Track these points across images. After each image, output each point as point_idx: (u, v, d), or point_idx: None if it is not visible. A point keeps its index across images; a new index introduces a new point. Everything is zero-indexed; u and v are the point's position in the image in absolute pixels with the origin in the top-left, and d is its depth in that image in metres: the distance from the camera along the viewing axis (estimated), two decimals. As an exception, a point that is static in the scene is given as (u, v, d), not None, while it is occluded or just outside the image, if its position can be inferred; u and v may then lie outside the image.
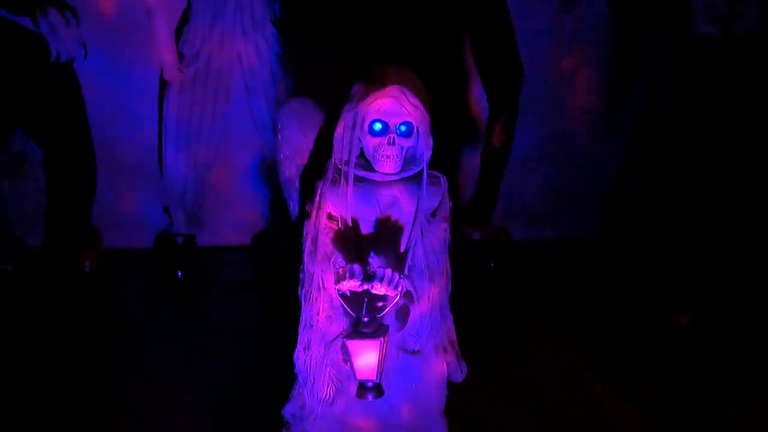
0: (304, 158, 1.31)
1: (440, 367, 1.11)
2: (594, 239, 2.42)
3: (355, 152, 1.07)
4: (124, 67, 2.22)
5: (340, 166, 1.08)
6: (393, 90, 1.02)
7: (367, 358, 0.97)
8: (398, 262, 1.04)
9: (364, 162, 1.08)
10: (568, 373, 1.60)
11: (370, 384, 0.98)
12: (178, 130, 2.01)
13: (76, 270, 2.01)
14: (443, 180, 1.11)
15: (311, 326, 1.09)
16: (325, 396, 1.08)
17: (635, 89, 2.24)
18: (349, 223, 1.07)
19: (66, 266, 1.99)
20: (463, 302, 1.23)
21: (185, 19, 1.96)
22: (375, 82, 1.03)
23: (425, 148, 1.07)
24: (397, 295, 0.98)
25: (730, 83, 1.82)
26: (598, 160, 2.44)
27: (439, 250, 1.08)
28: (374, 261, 1.06)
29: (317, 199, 1.09)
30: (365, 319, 0.98)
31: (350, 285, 0.97)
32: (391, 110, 1.03)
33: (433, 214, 1.09)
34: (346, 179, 1.06)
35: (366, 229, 1.09)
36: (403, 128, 1.04)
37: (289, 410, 1.15)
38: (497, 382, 1.54)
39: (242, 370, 1.60)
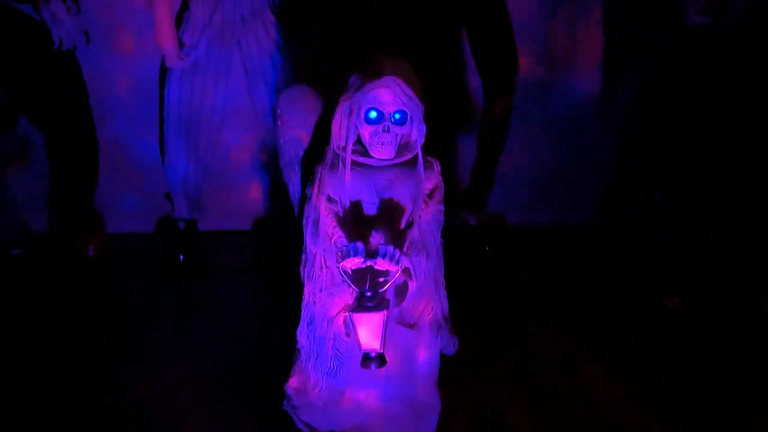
0: (303, 143, 1.35)
1: (434, 340, 1.17)
2: (588, 224, 2.46)
3: (352, 139, 1.12)
4: (125, 54, 2.25)
5: (338, 152, 1.14)
6: (388, 80, 1.07)
7: (370, 329, 1.03)
8: (397, 240, 1.10)
9: (361, 148, 1.13)
10: (559, 353, 1.63)
11: (373, 354, 1.05)
12: (180, 117, 2.02)
13: (80, 254, 2.04)
14: (436, 164, 1.16)
15: (314, 303, 1.15)
16: (329, 368, 1.14)
17: (630, 77, 2.26)
18: (347, 205, 1.12)
19: (70, 250, 2.03)
20: (459, 286, 1.28)
21: (185, 6, 1.97)
22: (370, 73, 1.08)
23: (418, 135, 1.12)
24: (398, 271, 1.04)
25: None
26: (592, 146, 2.47)
27: (435, 230, 1.14)
28: (374, 240, 1.11)
29: (317, 182, 1.15)
30: (368, 294, 1.04)
31: (354, 262, 1.03)
32: (386, 100, 1.08)
33: (430, 196, 1.15)
34: (344, 164, 1.11)
35: (365, 210, 1.14)
36: (397, 116, 1.10)
37: (291, 385, 1.21)
38: (490, 360, 1.58)
39: (243, 349, 1.63)
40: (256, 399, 1.39)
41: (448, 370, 1.25)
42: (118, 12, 2.20)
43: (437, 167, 1.16)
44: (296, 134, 1.37)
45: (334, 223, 1.12)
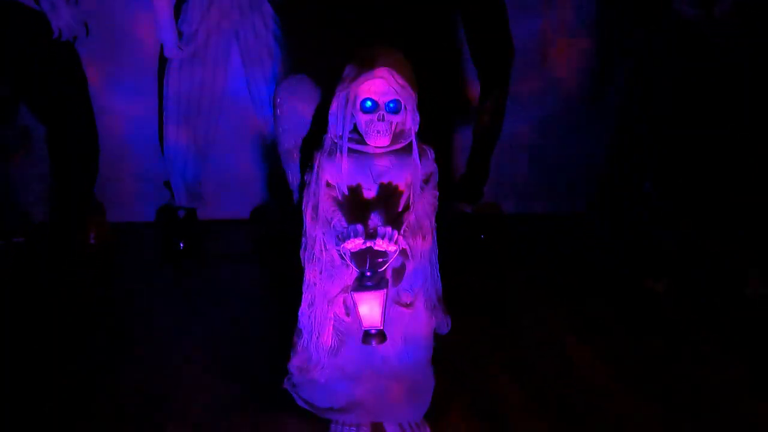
0: (302, 131, 1.38)
1: (429, 319, 1.22)
2: (582, 214, 2.49)
3: (349, 127, 1.16)
4: (125, 44, 2.27)
5: (335, 141, 1.17)
6: (382, 71, 1.11)
7: (371, 307, 1.08)
8: (395, 223, 1.14)
9: (358, 136, 1.17)
10: (552, 337, 1.66)
11: (374, 331, 1.09)
12: (178, 107, 2.04)
13: (81, 241, 2.07)
14: (430, 152, 1.20)
15: (314, 285, 1.19)
16: (331, 346, 1.19)
17: (621, 69, 2.29)
18: (345, 191, 1.16)
19: (72, 238, 2.05)
20: (455, 273, 1.32)
21: (183, -4, 2.00)
22: (365, 64, 1.13)
23: (412, 123, 1.16)
24: (396, 251, 1.09)
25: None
26: (585, 137, 2.50)
27: (430, 213, 1.19)
28: (372, 222, 1.15)
29: (316, 169, 1.19)
30: (368, 274, 1.09)
31: (354, 243, 1.07)
32: (381, 90, 1.13)
33: (426, 181, 1.19)
34: (341, 152, 1.15)
35: (363, 195, 1.18)
36: (391, 105, 1.14)
37: (294, 364, 1.26)
38: (485, 344, 1.62)
39: (244, 332, 1.67)
40: (258, 380, 1.43)
41: (444, 354, 1.30)
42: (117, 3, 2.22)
43: (431, 154, 1.21)
44: (295, 123, 1.41)
45: (333, 208, 1.17)
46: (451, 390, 1.38)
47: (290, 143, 1.40)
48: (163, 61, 2.03)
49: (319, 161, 1.19)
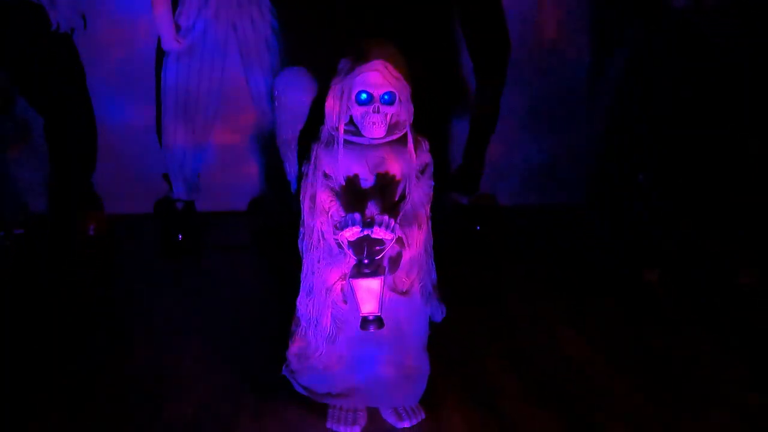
0: (300, 123, 1.40)
1: (424, 307, 1.25)
2: (577, 205, 2.52)
3: (345, 120, 1.18)
4: (123, 36, 2.27)
5: (332, 132, 1.20)
6: (376, 64, 1.13)
7: (369, 294, 1.10)
8: (391, 212, 1.17)
9: (354, 128, 1.19)
10: (545, 327, 1.68)
11: (372, 317, 1.12)
12: (177, 100, 2.05)
13: (80, 234, 2.08)
14: (425, 143, 1.23)
15: (312, 274, 1.22)
16: (329, 333, 1.21)
17: (616, 62, 2.30)
18: (342, 181, 1.19)
19: (71, 230, 2.07)
20: (451, 264, 1.33)
21: (181, -11, 2.00)
22: (359, 57, 1.15)
23: (407, 115, 1.18)
24: (393, 238, 1.11)
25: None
26: (580, 129, 2.52)
27: (425, 203, 1.21)
28: (369, 212, 1.18)
29: (313, 160, 1.21)
30: (366, 261, 1.11)
31: (352, 231, 1.10)
32: (375, 82, 1.14)
33: (422, 172, 1.22)
34: (338, 143, 1.17)
35: (360, 184, 1.20)
36: (386, 97, 1.16)
37: (293, 352, 1.28)
38: (478, 331, 1.64)
39: (242, 321, 1.69)
40: (257, 367, 1.45)
41: (440, 343, 1.32)
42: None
43: (426, 145, 1.23)
44: (293, 114, 1.43)
45: (331, 198, 1.19)
46: (446, 377, 1.41)
47: (288, 134, 1.42)
48: (160, 54, 2.04)
49: (316, 152, 1.21)
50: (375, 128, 1.17)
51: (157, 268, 2.04)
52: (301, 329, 1.25)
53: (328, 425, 1.25)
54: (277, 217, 2.16)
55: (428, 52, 2.19)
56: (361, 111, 1.16)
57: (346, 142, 1.18)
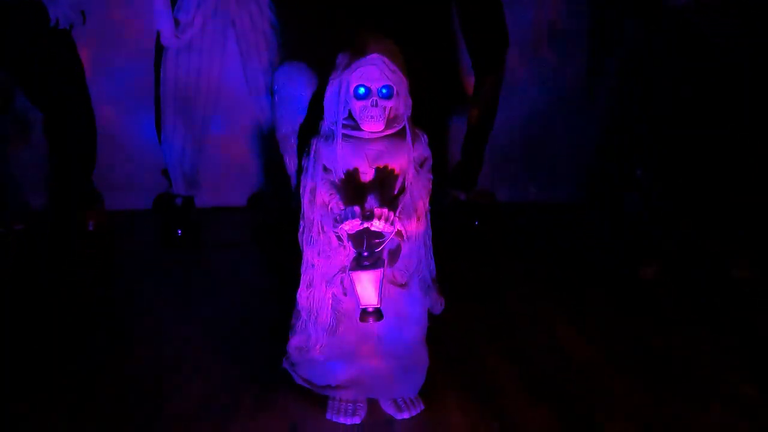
0: (299, 117, 1.41)
1: (423, 300, 1.26)
2: (574, 200, 2.53)
3: (344, 114, 1.19)
4: (122, 32, 2.28)
5: (331, 127, 1.20)
6: (373, 58, 1.14)
7: (368, 286, 1.11)
8: (390, 205, 1.17)
9: (353, 122, 1.20)
10: (543, 322, 1.69)
11: (371, 309, 1.13)
12: (176, 95, 2.07)
13: (80, 230, 2.10)
14: (424, 137, 1.23)
15: (312, 266, 1.22)
16: (329, 325, 1.22)
17: (615, 59, 2.31)
18: (342, 175, 1.20)
19: (71, 226, 2.08)
20: (450, 260, 1.33)
21: (179, -15, 2.01)
22: (357, 51, 1.15)
23: (405, 108, 1.19)
24: (392, 231, 1.12)
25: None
26: (578, 124, 2.53)
27: (424, 196, 1.22)
28: (369, 205, 1.18)
29: (313, 153, 1.22)
30: (365, 254, 1.12)
31: (352, 224, 1.11)
32: (373, 76, 1.15)
33: (421, 165, 1.23)
34: (336, 138, 1.18)
35: (359, 178, 1.21)
36: (384, 91, 1.17)
37: (293, 344, 1.29)
38: (477, 326, 1.65)
39: (242, 315, 1.70)
40: (257, 360, 1.46)
41: (438, 337, 1.33)
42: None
43: (424, 139, 1.23)
44: (292, 109, 1.43)
45: (331, 191, 1.20)
46: (445, 370, 1.42)
47: (287, 129, 1.43)
48: (159, 50, 2.05)
49: (316, 146, 1.22)
50: (373, 122, 1.17)
51: (157, 262, 2.05)
52: (302, 322, 1.26)
53: (328, 417, 1.26)
54: (276, 211, 2.17)
55: (427, 48, 2.20)
56: (359, 105, 1.17)
57: (345, 136, 1.19)
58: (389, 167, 1.19)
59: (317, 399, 1.30)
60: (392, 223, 1.11)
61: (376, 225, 1.11)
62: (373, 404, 1.30)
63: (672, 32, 1.92)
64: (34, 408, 1.30)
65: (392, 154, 1.19)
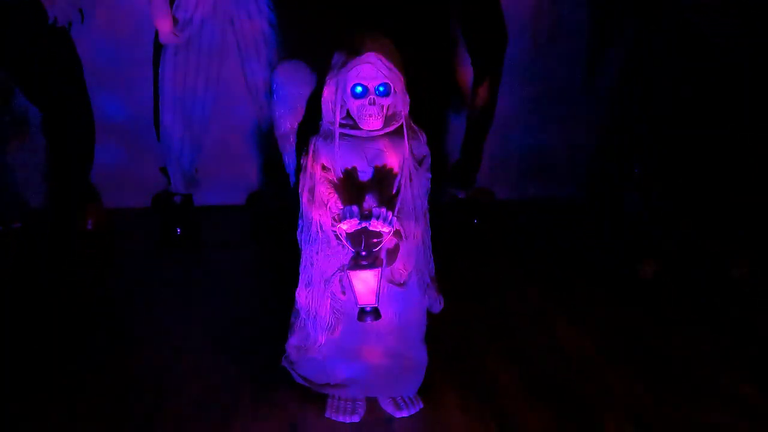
0: (298, 116, 1.40)
1: (422, 298, 1.26)
2: (573, 199, 2.53)
3: (342, 114, 1.19)
4: (120, 30, 2.27)
5: (330, 127, 1.20)
6: (369, 56, 1.14)
7: (366, 285, 1.11)
8: (389, 205, 1.17)
9: (352, 122, 1.20)
10: (542, 319, 1.70)
11: (369, 308, 1.13)
12: (174, 93, 2.05)
13: (79, 228, 2.09)
14: (422, 135, 1.23)
15: (311, 265, 1.23)
16: (328, 324, 1.22)
17: (615, 58, 2.31)
18: (340, 174, 1.19)
19: (69, 225, 2.07)
20: (449, 258, 1.33)
21: (178, -17, 2.00)
22: (352, 51, 1.16)
23: (403, 105, 1.19)
24: (390, 231, 1.12)
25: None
26: (577, 122, 2.53)
27: (423, 195, 1.22)
28: (367, 204, 1.19)
29: (311, 152, 1.22)
30: (363, 253, 1.12)
31: (350, 224, 1.11)
32: (369, 74, 1.16)
33: (420, 163, 1.22)
34: (335, 138, 1.18)
35: (358, 177, 1.21)
36: (381, 89, 1.17)
37: (292, 343, 1.29)
38: (476, 324, 1.66)
39: (241, 314, 1.70)
40: (257, 359, 1.46)
41: (437, 335, 1.33)
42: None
43: (423, 138, 1.23)
44: (291, 107, 1.43)
45: (329, 190, 1.20)
46: (444, 369, 1.42)
47: (287, 128, 1.42)
48: (158, 48, 2.04)
49: (314, 145, 1.22)
50: (372, 120, 1.17)
51: (156, 261, 2.05)
52: (301, 321, 1.27)
53: (327, 415, 1.27)
54: (275, 210, 2.17)
55: (426, 46, 2.19)
56: (357, 104, 1.17)
57: (344, 135, 1.19)
58: (387, 166, 1.19)
59: (316, 397, 1.31)
60: (390, 223, 1.11)
61: (374, 225, 1.11)
62: (372, 403, 1.30)
63: (672, 32, 1.92)
64: (34, 408, 1.30)
65: (392, 152, 1.19)
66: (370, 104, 1.16)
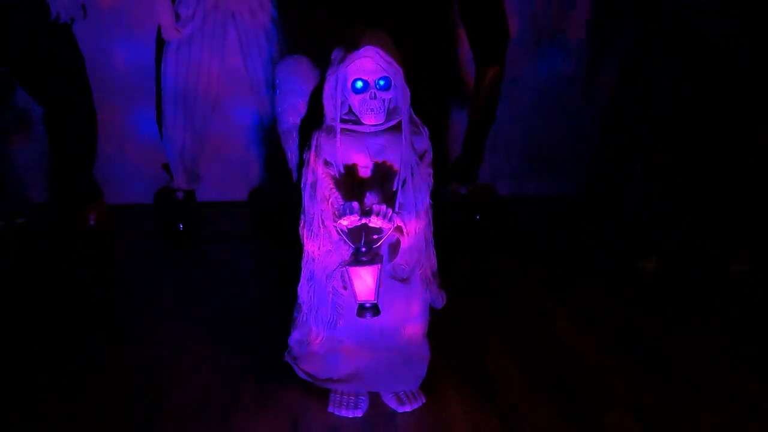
0: (301, 111, 1.41)
1: (424, 294, 1.26)
2: (574, 198, 2.53)
3: (343, 109, 1.19)
4: (121, 24, 2.27)
5: (331, 123, 1.20)
6: (368, 50, 1.14)
7: (366, 282, 1.11)
8: (390, 200, 1.18)
9: (354, 117, 1.20)
10: (544, 316, 1.70)
11: (368, 305, 1.13)
12: (176, 89, 2.05)
13: (81, 224, 2.09)
14: (425, 130, 1.23)
15: (313, 260, 1.23)
16: (330, 319, 1.23)
17: (614, 58, 2.32)
18: (342, 170, 1.20)
19: (72, 220, 2.07)
20: (451, 255, 1.33)
21: (180, -22, 2.00)
22: (351, 45, 1.16)
23: (404, 98, 1.19)
24: (390, 228, 1.12)
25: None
26: (579, 118, 2.53)
27: (424, 191, 1.22)
28: (368, 200, 1.19)
29: (314, 148, 1.22)
30: (363, 249, 1.12)
31: (350, 220, 1.11)
32: (369, 68, 1.16)
33: (421, 158, 1.22)
34: (336, 133, 1.18)
35: (359, 173, 1.21)
36: (381, 83, 1.17)
37: (295, 338, 1.30)
38: (478, 320, 1.66)
39: (244, 310, 1.69)
40: (259, 354, 1.46)
41: (439, 331, 1.34)
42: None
43: (426, 132, 1.24)
44: (294, 102, 1.43)
45: (331, 185, 1.20)
46: (447, 364, 1.42)
47: (289, 123, 1.42)
48: (160, 44, 2.04)
49: (317, 140, 1.22)
50: (373, 115, 1.18)
51: (158, 257, 2.05)
52: (303, 315, 1.27)
53: (330, 410, 1.27)
54: (277, 206, 2.17)
55: (428, 42, 2.20)
56: (358, 99, 1.18)
57: (346, 131, 1.19)
58: (389, 162, 1.20)
59: (319, 392, 1.31)
60: (390, 220, 1.11)
61: (374, 221, 1.11)
62: (374, 397, 1.31)
63: (672, 32, 1.92)
64: (33, 408, 1.29)
65: (394, 147, 1.19)
66: (371, 98, 1.17)
